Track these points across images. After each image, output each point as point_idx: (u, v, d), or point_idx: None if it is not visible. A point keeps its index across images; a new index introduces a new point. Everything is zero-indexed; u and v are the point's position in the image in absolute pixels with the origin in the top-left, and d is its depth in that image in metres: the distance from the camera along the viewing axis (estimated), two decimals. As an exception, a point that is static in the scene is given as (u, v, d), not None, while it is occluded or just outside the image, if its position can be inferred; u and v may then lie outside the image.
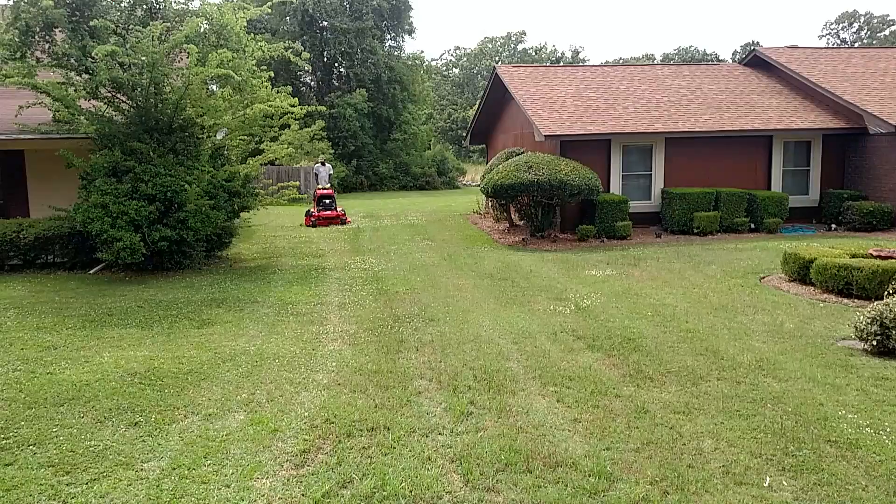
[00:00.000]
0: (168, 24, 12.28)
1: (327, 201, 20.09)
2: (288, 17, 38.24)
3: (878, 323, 6.99)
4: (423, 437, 5.18)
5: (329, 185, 21.34)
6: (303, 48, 18.11)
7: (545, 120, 16.40)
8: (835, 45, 63.55)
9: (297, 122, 15.47)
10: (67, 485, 4.51)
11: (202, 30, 12.37)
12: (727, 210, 16.02)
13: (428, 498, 4.32)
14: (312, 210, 19.91)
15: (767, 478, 4.54)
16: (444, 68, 70.24)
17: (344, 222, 19.63)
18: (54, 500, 4.33)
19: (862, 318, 7.19)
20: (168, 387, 6.30)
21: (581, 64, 55.23)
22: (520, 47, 73.82)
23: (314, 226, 19.14)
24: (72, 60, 11.70)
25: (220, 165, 12.98)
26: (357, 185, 36.56)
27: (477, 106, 25.52)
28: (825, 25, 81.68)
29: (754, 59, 20.80)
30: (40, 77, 11.75)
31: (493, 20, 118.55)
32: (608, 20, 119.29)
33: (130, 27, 11.88)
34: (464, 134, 35.58)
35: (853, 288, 9.34)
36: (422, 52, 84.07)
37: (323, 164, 21.88)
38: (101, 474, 4.64)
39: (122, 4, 12.49)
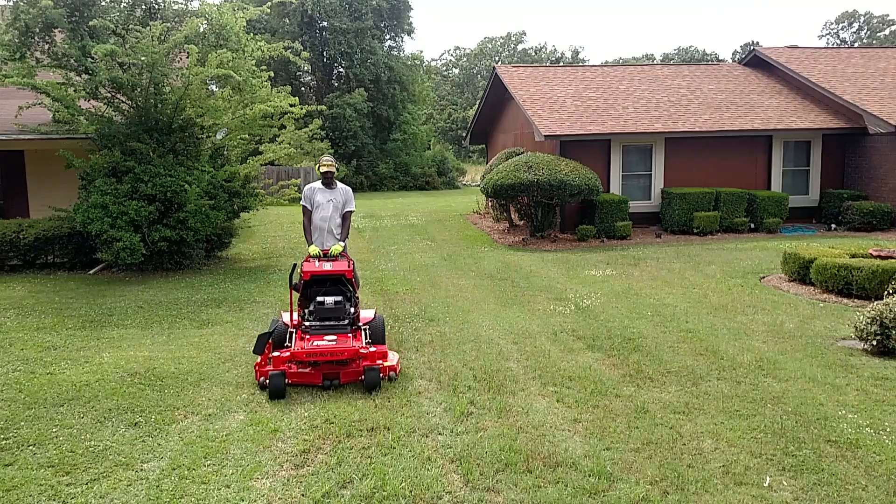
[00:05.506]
0: (168, 25, 12.27)
1: (329, 302, 6.65)
2: (287, 18, 38.22)
3: (878, 323, 6.99)
4: (423, 437, 5.18)
5: (341, 238, 7.35)
6: (302, 48, 16.14)
7: (545, 120, 16.41)
8: (835, 45, 63.54)
9: (295, 122, 15.45)
10: (67, 485, 4.50)
11: (202, 30, 12.36)
12: (727, 210, 16.02)
13: (428, 498, 4.32)
14: (284, 325, 6.88)
15: (767, 478, 4.54)
16: (444, 68, 70.22)
17: (375, 385, 6.05)
18: (54, 500, 4.33)
19: (862, 317, 7.19)
20: (168, 387, 6.30)
21: (581, 64, 55.18)
22: (520, 47, 73.80)
23: (275, 392, 5.91)
24: (71, 61, 11.69)
25: (220, 165, 12.98)
26: (357, 186, 36.58)
27: (477, 106, 25.51)
28: (825, 25, 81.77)
29: (754, 59, 20.81)
30: (40, 77, 11.74)
31: (493, 20, 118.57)
32: (608, 20, 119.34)
33: (130, 27, 11.86)
34: (464, 134, 35.58)
35: (853, 288, 9.34)
36: (421, 52, 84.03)
37: (328, 182, 7.45)
38: (101, 474, 4.63)
39: (121, 4, 12.48)
